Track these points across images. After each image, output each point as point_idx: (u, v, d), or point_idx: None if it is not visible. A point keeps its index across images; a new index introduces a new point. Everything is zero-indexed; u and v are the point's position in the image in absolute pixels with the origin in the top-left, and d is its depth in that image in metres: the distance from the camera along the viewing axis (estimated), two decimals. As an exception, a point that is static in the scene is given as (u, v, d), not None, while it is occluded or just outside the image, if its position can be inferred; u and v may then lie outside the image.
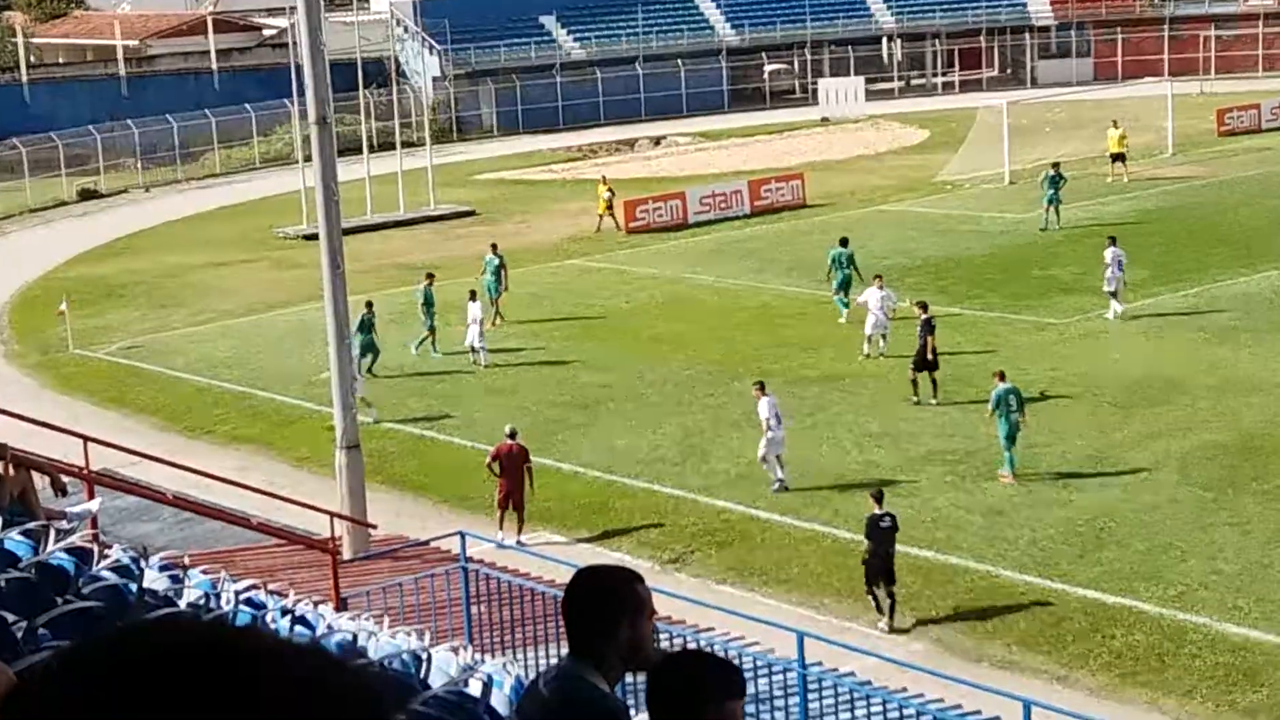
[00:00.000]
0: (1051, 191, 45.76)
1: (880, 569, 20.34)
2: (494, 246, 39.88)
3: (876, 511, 20.60)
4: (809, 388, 30.87)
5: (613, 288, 41.77)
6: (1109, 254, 35.17)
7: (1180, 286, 37.19)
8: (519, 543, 23.38)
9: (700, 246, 47.17)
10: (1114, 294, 34.94)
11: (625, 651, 4.10)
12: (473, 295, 35.03)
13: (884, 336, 32.12)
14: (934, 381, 29.28)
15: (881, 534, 20.39)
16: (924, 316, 29.78)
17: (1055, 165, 47.10)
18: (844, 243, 37.04)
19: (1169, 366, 30.58)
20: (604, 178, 52.74)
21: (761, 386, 25.84)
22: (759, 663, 16.38)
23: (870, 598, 20.60)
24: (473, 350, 34.13)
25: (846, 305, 35.63)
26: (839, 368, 32.23)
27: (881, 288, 32.74)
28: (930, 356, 29.20)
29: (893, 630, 20.25)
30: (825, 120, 78.95)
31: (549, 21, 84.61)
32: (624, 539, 23.83)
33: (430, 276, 35.88)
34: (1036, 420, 27.63)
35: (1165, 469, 24.80)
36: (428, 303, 34.83)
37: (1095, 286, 37.32)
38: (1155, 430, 26.73)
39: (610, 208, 49.51)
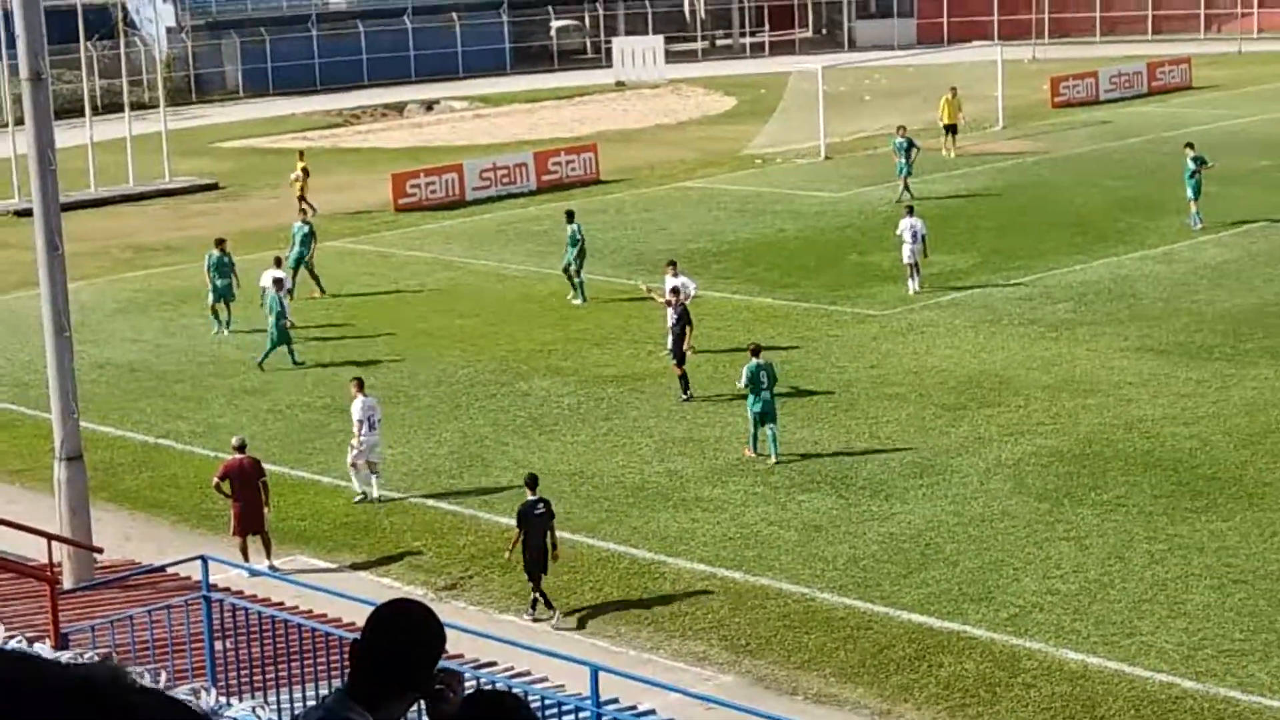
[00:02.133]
0: (903, 160, 47.14)
1: (537, 560, 21.64)
2: (303, 213, 40.14)
3: (530, 498, 21.92)
4: (604, 388, 31.04)
5: (379, 274, 41.50)
6: (904, 225, 36.82)
7: (1012, 275, 38.18)
8: (271, 568, 23.12)
9: (480, 227, 47.10)
10: (915, 267, 36.74)
11: (413, 693, 4.21)
12: (278, 262, 35.73)
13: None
14: (683, 375, 30.15)
15: (536, 522, 21.71)
16: (679, 302, 30.65)
17: (901, 129, 48.28)
18: (570, 217, 38.26)
19: (1000, 364, 31.38)
20: (300, 153, 51.90)
21: (360, 384, 26.37)
22: (547, 701, 16.43)
23: (538, 595, 21.72)
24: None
25: (577, 285, 37.66)
26: (638, 366, 32.45)
27: (677, 274, 33.06)
28: (685, 349, 30.29)
29: (543, 622, 21.43)
30: (620, 84, 79.36)
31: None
32: (393, 563, 23.70)
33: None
34: (857, 425, 28.20)
35: (997, 478, 25.44)
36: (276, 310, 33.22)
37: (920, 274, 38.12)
38: (986, 435, 27.41)
39: (304, 189, 48.72)
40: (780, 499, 25.09)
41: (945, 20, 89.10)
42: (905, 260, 36.98)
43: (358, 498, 25.96)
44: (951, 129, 54.71)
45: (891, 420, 28.43)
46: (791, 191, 50.00)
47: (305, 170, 48.87)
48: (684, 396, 30.07)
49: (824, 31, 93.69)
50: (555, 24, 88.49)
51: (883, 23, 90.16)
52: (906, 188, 46.91)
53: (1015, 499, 24.55)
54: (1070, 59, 76.95)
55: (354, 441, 25.96)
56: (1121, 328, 33.40)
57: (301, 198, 48.54)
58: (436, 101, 75.81)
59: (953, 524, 23.73)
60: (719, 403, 29.40)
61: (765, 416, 26.75)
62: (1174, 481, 24.84)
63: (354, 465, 26.07)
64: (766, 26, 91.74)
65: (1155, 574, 21.66)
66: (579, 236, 37.61)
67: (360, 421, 25.87)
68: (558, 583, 22.47)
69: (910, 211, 37.68)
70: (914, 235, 36.69)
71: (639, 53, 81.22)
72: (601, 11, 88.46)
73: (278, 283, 33.84)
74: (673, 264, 33.77)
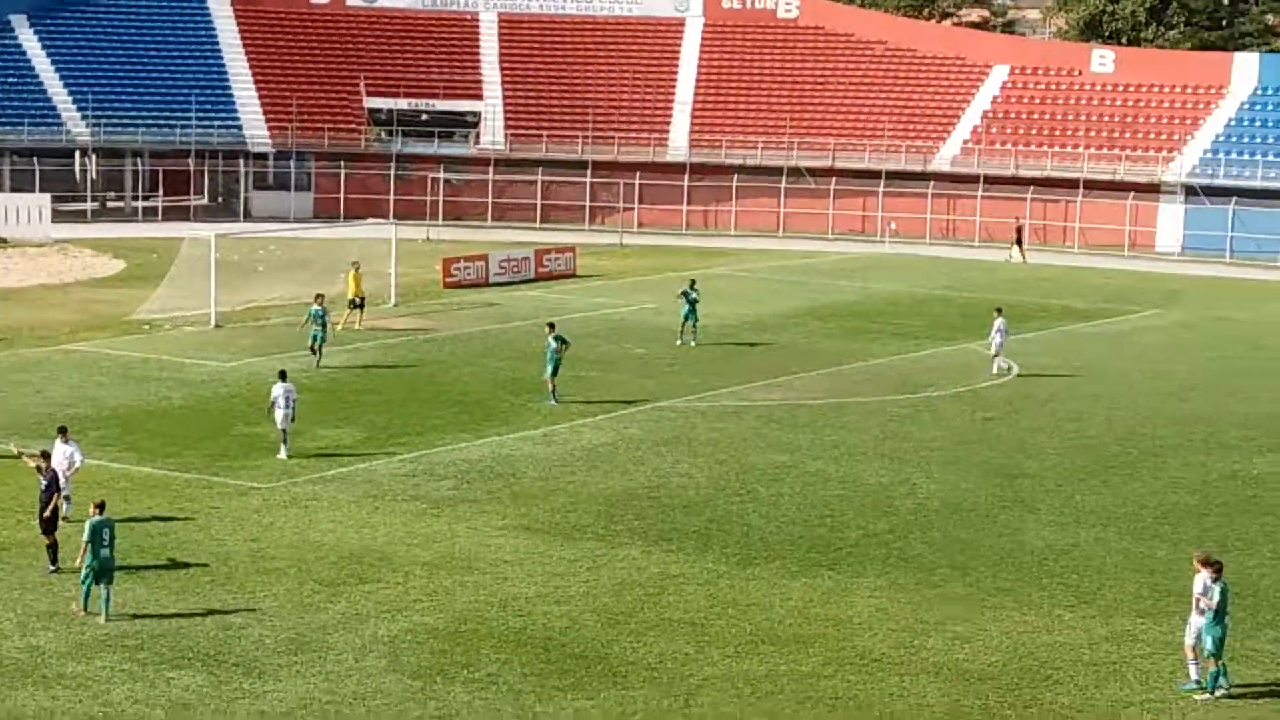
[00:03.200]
0: (319, 329, 48.30)
1: None
2: None
3: None
4: (-36, 558, 29.47)
5: None
6: (277, 390, 37.63)
7: (398, 451, 38.49)
8: None
9: None
10: (285, 434, 37.59)
11: None
12: None
13: (67, 499, 31.31)
14: (53, 545, 29.22)
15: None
16: (49, 468, 29.91)
17: (320, 298, 49.20)
18: None
19: (382, 540, 31.46)
20: None
21: None
22: None
23: None
24: None
25: None
26: (3, 535, 31.01)
27: (67, 441, 32.18)
28: (49, 515, 29.33)
29: None
30: (3, 242, 76.56)
31: None
32: None
33: None
34: (233, 598, 27.70)
35: (372, 654, 25.38)
36: None
37: (307, 448, 37.99)
38: (364, 611, 27.35)
39: None
40: (149, 675, 24.28)
41: (342, 196, 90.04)
42: (279, 426, 37.35)
43: None
44: (357, 303, 55.52)
45: (269, 595, 28.04)
46: (179, 359, 49.14)
47: None
48: (52, 568, 28.87)
49: (220, 199, 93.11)
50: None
51: (280, 195, 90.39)
52: (320, 353, 48.12)
53: (389, 676, 24.53)
54: (463, 241, 79.01)
55: None
56: (501, 506, 34.09)
57: None
58: None
59: (325, 702, 23.49)
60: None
61: (102, 574, 26.51)
62: (544, 660, 25.36)
63: None
64: (160, 191, 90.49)
65: (522, 751, 22.00)
66: None
67: None
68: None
69: (283, 377, 37.85)
70: (287, 401, 37.03)
71: (24, 210, 78.65)
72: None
73: None
74: (63, 430, 32.86)
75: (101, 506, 27.06)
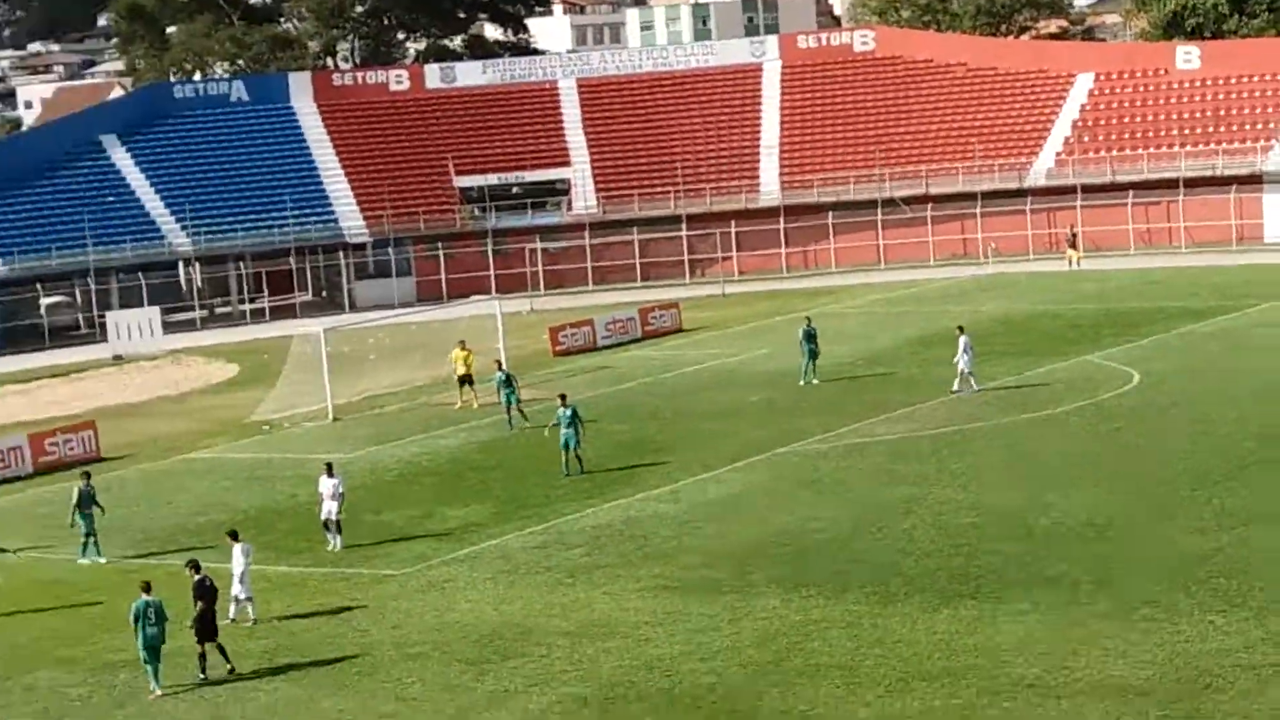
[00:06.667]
0: (509, 391, 50.47)
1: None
2: None
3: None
4: (117, 674, 29.83)
5: None
6: (324, 484, 38.15)
7: (526, 524, 38.64)
8: None
9: (-27, 515, 45.02)
10: (331, 525, 37.87)
11: None
12: None
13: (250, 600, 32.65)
14: (221, 650, 29.70)
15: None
16: (197, 577, 30.03)
17: (499, 362, 51.47)
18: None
19: (520, 614, 31.57)
20: None
21: None
22: None
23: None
24: None
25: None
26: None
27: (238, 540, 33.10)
28: (198, 623, 29.69)
29: None
30: (118, 358, 77.78)
31: None
32: None
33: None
34: (382, 689, 27.85)
35: (526, 729, 25.46)
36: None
37: (437, 530, 38.33)
38: (511, 687, 27.44)
39: None
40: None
41: (443, 277, 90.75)
42: (328, 516, 37.80)
43: None
44: (467, 380, 55.61)
45: (416, 680, 28.20)
46: (301, 456, 49.57)
47: None
48: (201, 677, 29.14)
49: (324, 294, 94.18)
50: (45, 301, 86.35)
51: (382, 282, 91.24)
52: (521, 413, 50.54)
53: (545, 750, 24.59)
54: (567, 308, 79.34)
55: None
56: (635, 568, 34.11)
57: None
58: (-81, 386, 72.61)
59: (485, 781, 23.59)
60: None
61: (152, 652, 28.57)
62: (696, 718, 25.31)
63: None
64: (265, 292, 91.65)
65: (685, 812, 21.96)
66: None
67: None
68: None
69: (329, 471, 38.22)
70: (334, 493, 37.68)
71: (135, 325, 79.95)
72: (94, 285, 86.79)
73: None
74: (233, 534, 33.55)
75: (148, 588, 28.86)
